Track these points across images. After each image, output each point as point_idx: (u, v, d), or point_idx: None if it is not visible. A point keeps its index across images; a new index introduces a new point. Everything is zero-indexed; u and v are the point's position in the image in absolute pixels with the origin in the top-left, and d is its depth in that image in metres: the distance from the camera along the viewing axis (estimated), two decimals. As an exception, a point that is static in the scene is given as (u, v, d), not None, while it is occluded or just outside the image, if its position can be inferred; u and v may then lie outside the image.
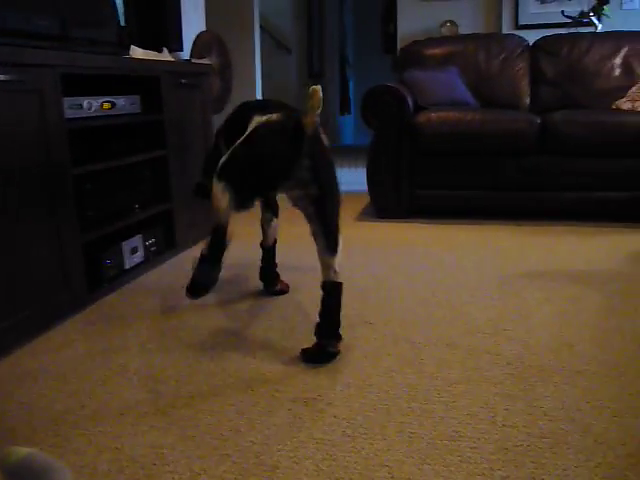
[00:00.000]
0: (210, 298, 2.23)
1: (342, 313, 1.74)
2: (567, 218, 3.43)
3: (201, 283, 1.72)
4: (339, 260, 1.71)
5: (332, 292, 1.71)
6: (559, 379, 1.59)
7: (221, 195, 1.62)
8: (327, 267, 1.71)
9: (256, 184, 1.65)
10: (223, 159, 1.68)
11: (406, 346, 1.81)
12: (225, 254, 1.71)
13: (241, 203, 1.65)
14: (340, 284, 1.72)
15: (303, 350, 1.75)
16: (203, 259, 1.72)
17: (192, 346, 1.85)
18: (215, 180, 1.65)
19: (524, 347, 1.79)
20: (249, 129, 1.70)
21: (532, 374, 1.62)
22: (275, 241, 2.28)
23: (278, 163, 1.62)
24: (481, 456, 1.26)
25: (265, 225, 2.24)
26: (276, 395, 1.54)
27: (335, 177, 1.71)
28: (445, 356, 1.74)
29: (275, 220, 2.25)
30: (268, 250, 2.27)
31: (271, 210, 2.23)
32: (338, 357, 1.73)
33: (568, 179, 3.31)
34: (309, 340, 1.76)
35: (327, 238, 1.70)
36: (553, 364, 1.67)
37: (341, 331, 1.74)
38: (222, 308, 2.16)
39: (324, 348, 1.72)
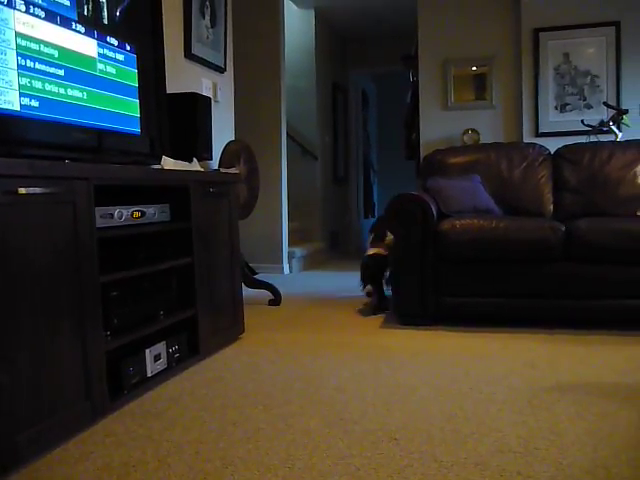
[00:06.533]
0: (236, 414, 2.19)
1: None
2: (597, 327, 3.33)
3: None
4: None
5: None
6: (596, 506, 1.50)
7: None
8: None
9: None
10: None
11: (433, 465, 1.74)
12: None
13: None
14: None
15: None
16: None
17: (212, 460, 1.79)
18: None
19: (558, 469, 1.71)
20: None
21: (567, 499, 1.54)
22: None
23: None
24: None
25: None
26: (298, 518, 1.47)
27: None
28: (474, 477, 1.66)
29: None
30: None
31: None
32: (363, 476, 1.66)
33: (595, 287, 3.27)
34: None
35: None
36: (589, 488, 1.59)
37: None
38: (243, 422, 2.11)
39: None
